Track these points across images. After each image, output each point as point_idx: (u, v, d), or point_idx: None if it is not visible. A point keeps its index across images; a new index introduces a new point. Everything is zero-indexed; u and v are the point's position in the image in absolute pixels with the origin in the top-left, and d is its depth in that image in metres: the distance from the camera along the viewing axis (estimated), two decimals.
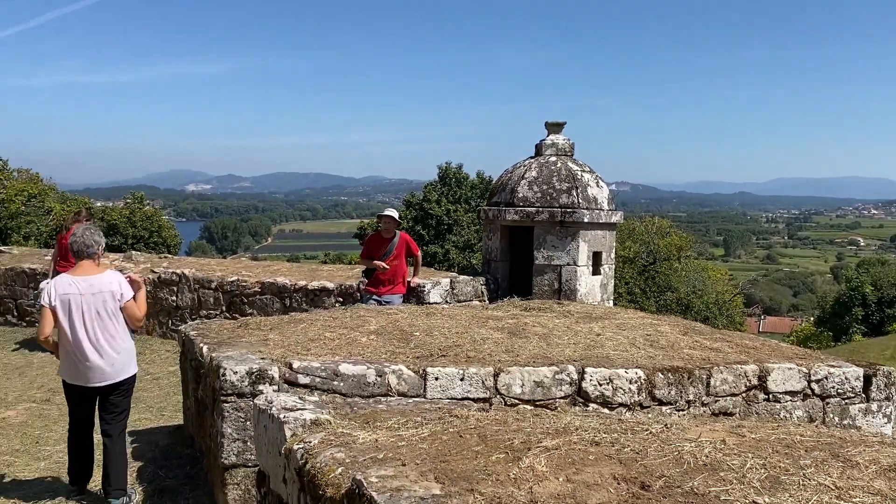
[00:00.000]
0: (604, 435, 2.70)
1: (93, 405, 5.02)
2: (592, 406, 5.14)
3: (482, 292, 9.25)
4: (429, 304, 8.52)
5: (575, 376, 5.06)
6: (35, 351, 9.43)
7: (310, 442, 2.89)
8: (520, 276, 9.58)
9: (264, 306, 9.76)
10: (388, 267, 8.24)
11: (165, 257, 12.49)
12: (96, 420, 5.06)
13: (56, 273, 7.52)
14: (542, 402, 5.00)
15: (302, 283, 9.62)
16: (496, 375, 4.86)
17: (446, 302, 8.86)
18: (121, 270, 10.67)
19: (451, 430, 2.92)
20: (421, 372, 4.72)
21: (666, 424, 2.86)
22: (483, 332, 5.63)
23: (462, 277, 9.19)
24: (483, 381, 4.82)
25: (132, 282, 5.06)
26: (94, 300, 4.78)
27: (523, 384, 4.93)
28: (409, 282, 8.60)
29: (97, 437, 5.07)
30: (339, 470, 2.53)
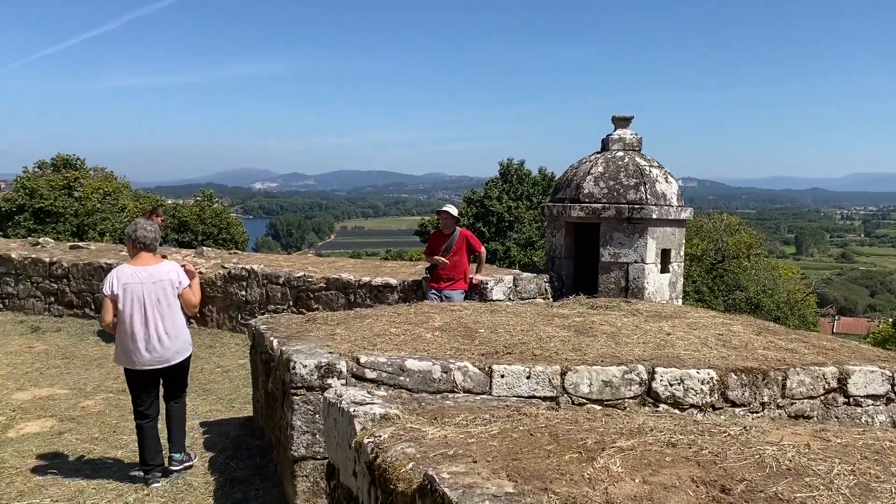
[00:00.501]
0: (680, 436, 2.63)
1: (156, 387, 5.36)
2: (662, 407, 5.04)
3: (546, 290, 9.17)
4: (492, 301, 8.51)
5: (645, 376, 4.96)
6: (111, 343, 9.77)
7: (380, 436, 2.90)
8: (584, 274, 9.46)
9: (329, 301, 9.91)
10: (446, 262, 8.28)
11: (235, 253, 12.80)
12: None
13: None
14: (610, 402, 4.92)
15: (366, 279, 9.72)
16: (563, 374, 4.80)
17: (509, 299, 8.81)
18: (194, 265, 10.97)
19: (521, 428, 2.90)
20: (486, 369, 4.70)
21: (745, 427, 2.77)
22: (549, 330, 5.57)
23: (525, 275, 9.12)
24: (550, 380, 4.77)
25: (187, 271, 5.38)
26: (155, 288, 5.11)
27: (591, 383, 4.86)
28: (471, 278, 8.61)
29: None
30: (410, 465, 2.54)
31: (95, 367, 8.64)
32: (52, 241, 13.81)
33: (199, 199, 38.96)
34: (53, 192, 32.96)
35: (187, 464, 5.44)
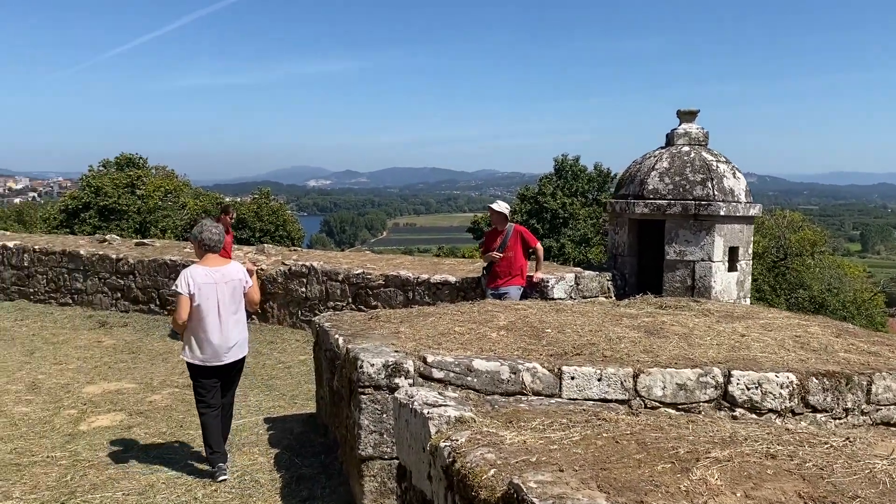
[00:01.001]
0: (778, 447, 2.48)
1: (220, 381, 5.52)
2: (739, 411, 4.85)
3: (608, 288, 8.98)
4: (552, 299, 8.37)
5: (720, 379, 4.78)
6: (176, 339, 9.98)
7: (456, 440, 2.82)
8: (648, 273, 9.23)
9: (388, 298, 9.90)
10: (498, 256, 8.20)
11: (295, 250, 12.93)
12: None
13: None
14: (684, 406, 4.75)
15: (424, 276, 9.68)
16: (636, 376, 4.65)
17: (570, 297, 8.65)
18: (254, 263, 11.10)
19: (604, 434, 2.78)
20: (556, 370, 4.58)
21: (848, 438, 2.60)
22: (618, 331, 5.42)
23: (587, 273, 8.95)
24: (622, 382, 4.63)
25: (247, 269, 5.59)
26: (227, 288, 5.32)
27: (664, 386, 4.69)
28: (530, 276, 8.47)
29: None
30: (492, 472, 2.45)
31: (161, 362, 8.80)
32: (119, 237, 14.17)
33: (256, 196, 39.69)
34: (117, 190, 33.97)
35: (226, 472, 5.34)
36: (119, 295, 11.85)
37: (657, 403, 4.72)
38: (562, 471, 2.34)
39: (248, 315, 5.61)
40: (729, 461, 2.31)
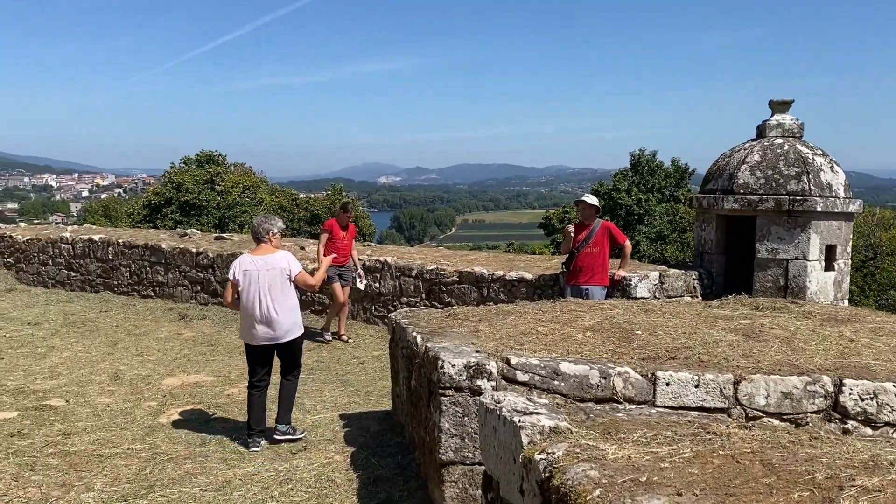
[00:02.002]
0: None
1: (267, 362, 6.00)
2: (851, 424, 4.43)
3: (695, 287, 8.52)
4: (635, 298, 7.99)
5: (830, 388, 4.38)
6: None
7: (553, 453, 2.57)
8: (736, 271, 8.73)
9: (462, 295, 9.70)
10: (571, 229, 8.04)
11: (368, 245, 12.86)
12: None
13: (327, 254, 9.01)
14: (789, 417, 4.37)
15: (499, 273, 9.43)
16: (736, 383, 4.30)
17: (654, 297, 8.25)
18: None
19: (719, 451, 2.48)
20: (649, 375, 4.27)
21: None
22: (714, 334, 5.05)
23: (672, 271, 8.51)
24: (721, 390, 4.28)
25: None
26: (268, 275, 5.77)
27: (768, 395, 4.32)
28: (612, 274, 8.13)
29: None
30: (597, 492, 2.19)
31: (238, 356, 8.81)
32: (198, 232, 14.43)
33: (329, 192, 40.23)
34: (197, 186, 34.92)
35: (290, 436, 5.89)
36: (198, 288, 12.03)
37: (759, 413, 4.36)
38: (679, 494, 2.07)
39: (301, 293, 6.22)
40: (880, 491, 1.98)
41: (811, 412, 4.39)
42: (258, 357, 5.95)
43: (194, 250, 12.09)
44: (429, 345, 4.70)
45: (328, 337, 9.62)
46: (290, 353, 6.01)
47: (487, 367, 4.27)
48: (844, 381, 4.39)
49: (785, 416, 4.37)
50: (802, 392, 4.36)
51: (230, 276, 5.86)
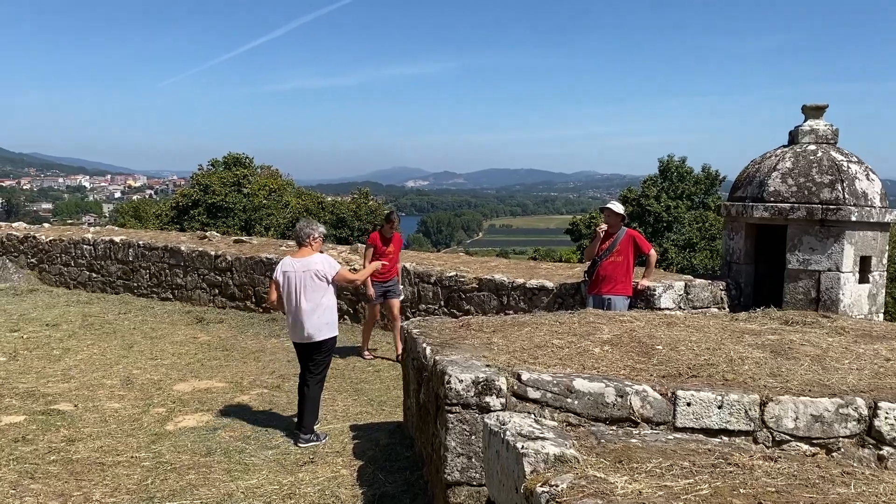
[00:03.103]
0: None
1: (304, 357, 6.27)
2: (886, 450, 4.14)
3: (721, 299, 8.21)
4: (658, 309, 7.72)
5: (864, 411, 4.09)
6: (270, 338, 9.93)
7: (556, 485, 2.36)
8: (766, 282, 8.41)
9: (481, 303, 9.50)
10: (602, 229, 7.81)
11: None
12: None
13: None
14: (819, 441, 4.09)
15: (520, 280, 9.22)
16: (763, 404, 4.03)
17: (679, 308, 7.97)
18: (347, 262, 10.91)
19: (741, 489, 2.25)
20: (669, 395, 4.03)
21: None
22: (740, 350, 4.78)
23: (698, 281, 8.21)
24: (746, 411, 4.01)
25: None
26: (304, 276, 6.09)
27: (797, 417, 4.05)
28: (636, 283, 7.87)
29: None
30: None
31: (253, 361, 8.71)
32: (218, 234, 14.39)
33: (355, 196, 40.14)
34: (224, 188, 35.14)
35: (313, 442, 5.98)
36: (217, 291, 11.97)
37: (787, 437, 4.09)
38: None
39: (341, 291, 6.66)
40: None
41: (843, 437, 4.11)
42: (300, 355, 6.34)
43: (213, 253, 12.03)
44: (437, 357, 4.50)
45: (367, 356, 9.00)
46: (321, 355, 6.23)
47: (497, 383, 4.05)
48: (880, 404, 4.10)
49: (815, 441, 4.09)
50: (834, 415, 4.08)
51: (273, 277, 6.31)
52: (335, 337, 6.30)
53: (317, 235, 6.28)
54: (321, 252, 6.33)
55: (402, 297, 9.34)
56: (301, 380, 6.36)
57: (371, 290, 8.85)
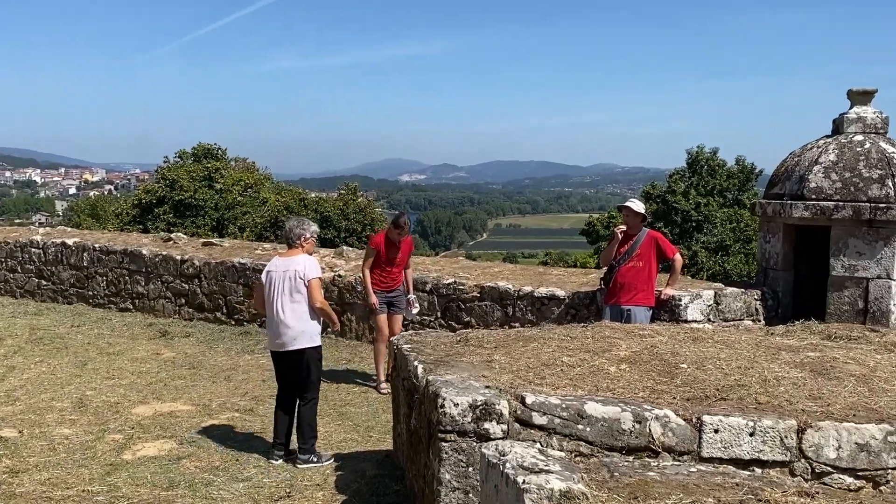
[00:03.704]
0: None
1: (285, 376, 6.44)
2: None
3: (756, 310, 8.21)
4: (684, 321, 7.73)
5: None
6: (243, 354, 9.92)
7: None
8: (807, 291, 8.40)
9: (483, 314, 9.50)
10: (620, 233, 7.84)
11: None
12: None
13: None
14: (865, 473, 4.10)
15: (527, 288, 9.22)
16: (801, 431, 4.04)
17: (708, 320, 7.98)
18: (331, 268, 10.92)
19: None
20: (694, 420, 4.03)
21: None
22: (775, 369, 4.78)
23: (730, 290, 8.22)
24: (782, 439, 4.02)
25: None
26: (285, 277, 6.28)
27: (839, 446, 4.05)
28: (659, 292, 7.87)
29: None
30: None
31: (223, 381, 8.71)
32: (185, 236, 14.39)
33: (342, 192, 40.09)
34: (194, 183, 35.09)
35: (313, 464, 6.17)
36: (183, 301, 11.97)
37: (828, 468, 4.10)
38: None
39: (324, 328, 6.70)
40: None
41: (892, 468, 4.11)
42: (277, 367, 6.51)
43: (179, 257, 12.03)
44: (430, 378, 4.50)
45: (384, 389, 8.20)
46: (299, 368, 6.31)
47: (497, 406, 4.05)
48: None
49: (860, 473, 4.10)
50: (882, 443, 4.08)
51: (260, 277, 6.58)
52: (316, 348, 6.36)
53: (308, 236, 6.46)
54: (313, 254, 6.55)
55: (416, 312, 8.93)
56: (279, 400, 6.44)
57: (374, 299, 8.48)
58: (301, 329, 6.24)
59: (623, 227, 7.93)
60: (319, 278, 6.37)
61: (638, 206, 7.95)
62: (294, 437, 6.37)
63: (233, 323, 11.38)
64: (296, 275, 6.24)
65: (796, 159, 8.58)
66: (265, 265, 6.69)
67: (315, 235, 6.55)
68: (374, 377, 8.71)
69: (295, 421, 6.37)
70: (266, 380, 8.47)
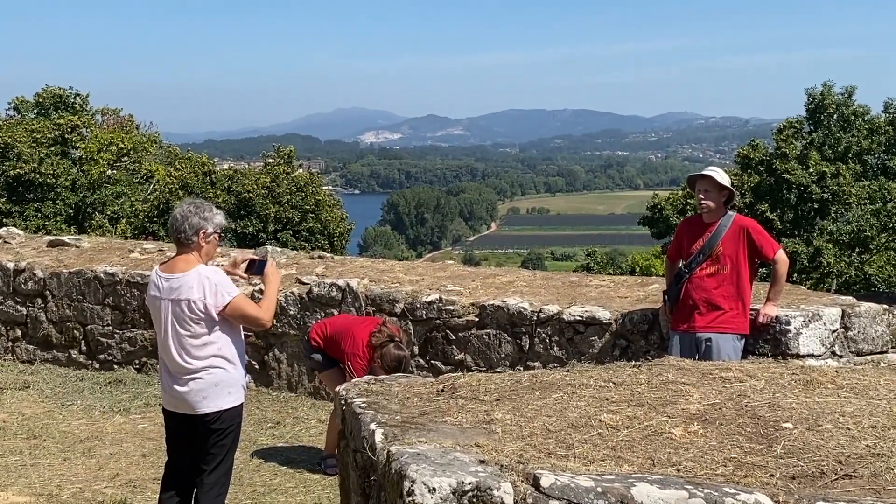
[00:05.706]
0: None
1: (181, 441, 6.43)
2: None
3: None
4: (795, 356, 7.81)
5: None
6: (111, 414, 9.96)
7: None
8: None
9: (484, 348, 9.59)
10: (709, 206, 7.97)
11: (322, 258, 12.78)
12: None
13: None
14: None
15: (552, 308, 9.34)
16: None
17: (832, 353, 8.12)
18: (248, 279, 10.98)
19: None
20: None
21: None
22: None
23: (866, 306, 8.36)
24: None
25: (253, 263, 6.54)
26: (173, 306, 6.14)
27: None
28: (755, 312, 7.96)
29: None
30: None
31: (81, 456, 8.78)
32: (21, 232, 14.43)
33: (270, 161, 40.01)
34: (38, 149, 35.17)
35: None
36: (18, 333, 12.06)
37: None
38: None
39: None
40: None
41: None
42: (170, 431, 6.50)
43: (12, 266, 12.15)
44: (394, 449, 4.53)
45: (332, 465, 8.30)
46: (205, 438, 6.27)
47: (496, 492, 4.07)
48: None
49: None
50: None
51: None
52: (236, 409, 6.35)
53: (210, 230, 6.25)
54: (211, 262, 6.39)
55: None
56: (166, 484, 6.44)
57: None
58: (212, 381, 6.16)
59: (711, 203, 7.90)
60: (237, 293, 6.23)
61: (721, 176, 8.02)
62: None
63: (96, 366, 11.46)
64: (188, 304, 6.08)
65: None
66: (148, 277, 6.73)
67: (220, 230, 6.36)
68: (320, 449, 8.78)
69: None
70: (147, 454, 8.51)
